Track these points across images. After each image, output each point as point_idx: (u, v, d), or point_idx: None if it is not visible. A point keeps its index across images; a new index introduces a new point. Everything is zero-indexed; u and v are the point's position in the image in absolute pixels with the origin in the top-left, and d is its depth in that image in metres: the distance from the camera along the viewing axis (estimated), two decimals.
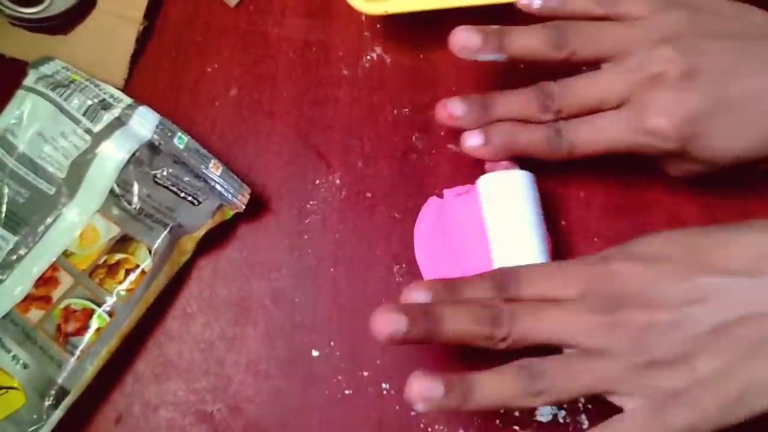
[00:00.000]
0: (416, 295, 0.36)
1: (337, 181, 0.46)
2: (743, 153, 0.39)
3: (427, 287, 0.36)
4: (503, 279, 0.36)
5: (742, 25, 0.39)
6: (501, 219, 0.41)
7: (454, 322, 0.34)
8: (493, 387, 0.34)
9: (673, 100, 0.38)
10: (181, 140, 0.44)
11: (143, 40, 0.49)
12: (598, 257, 0.36)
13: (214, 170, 0.44)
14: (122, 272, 0.42)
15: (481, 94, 0.42)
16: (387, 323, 0.34)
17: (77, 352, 0.40)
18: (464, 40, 0.40)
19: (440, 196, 0.44)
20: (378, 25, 0.49)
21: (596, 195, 0.45)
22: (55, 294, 0.41)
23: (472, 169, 0.45)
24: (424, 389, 0.33)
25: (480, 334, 0.34)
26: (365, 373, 0.42)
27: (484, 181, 0.42)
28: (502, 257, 0.40)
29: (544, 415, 0.41)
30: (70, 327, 0.41)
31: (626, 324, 0.34)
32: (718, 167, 0.40)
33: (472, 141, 0.41)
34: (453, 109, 0.41)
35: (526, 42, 0.40)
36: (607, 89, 0.40)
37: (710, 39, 0.39)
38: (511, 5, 0.43)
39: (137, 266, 0.42)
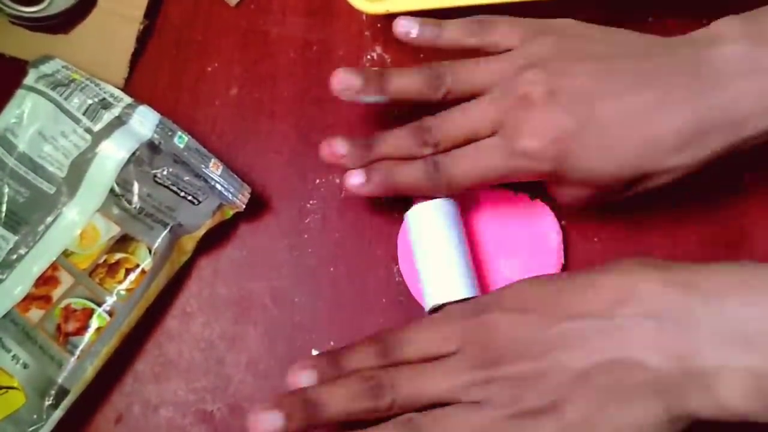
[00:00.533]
0: (301, 378, 0.37)
1: (337, 181, 0.46)
2: (617, 172, 0.38)
3: (311, 366, 0.37)
4: (386, 343, 0.37)
5: (608, 46, 0.39)
6: (426, 254, 0.41)
7: (336, 403, 0.35)
8: None
9: (540, 121, 0.38)
10: (181, 139, 0.44)
11: (144, 39, 0.49)
12: (474, 308, 0.37)
13: (214, 169, 0.44)
14: (122, 272, 0.42)
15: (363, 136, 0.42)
16: (263, 423, 0.34)
17: (77, 352, 0.40)
18: (345, 81, 0.41)
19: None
20: (378, 25, 0.49)
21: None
22: (55, 293, 0.41)
23: None
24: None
25: (364, 409, 0.35)
26: None
27: (411, 214, 0.42)
28: (432, 293, 0.41)
29: None
30: (70, 326, 0.41)
31: (499, 378, 0.35)
32: (599, 188, 0.39)
33: (353, 180, 0.41)
34: (336, 148, 0.41)
35: (404, 84, 0.41)
36: (479, 117, 0.40)
37: (575, 61, 0.39)
38: (510, 5, 0.43)
39: (137, 266, 0.42)
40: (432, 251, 0.41)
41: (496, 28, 0.41)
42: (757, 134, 0.37)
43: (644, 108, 0.37)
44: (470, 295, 0.40)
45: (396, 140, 0.41)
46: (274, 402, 0.35)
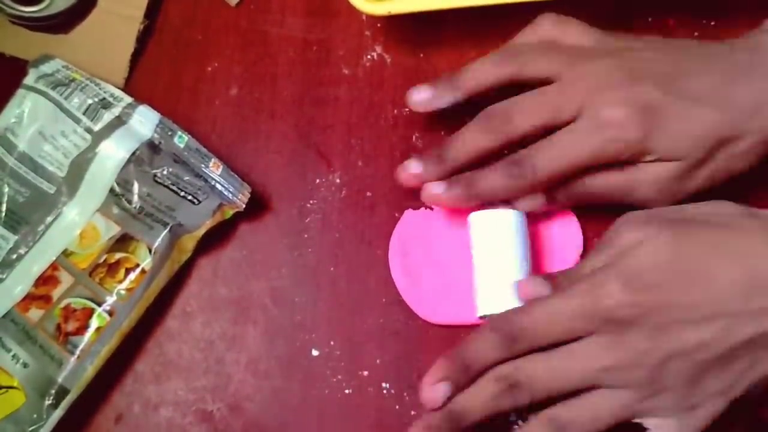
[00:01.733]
0: (438, 394, 0.37)
1: (337, 181, 0.46)
2: (702, 133, 0.38)
3: (441, 377, 0.37)
4: (509, 333, 0.37)
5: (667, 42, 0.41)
6: (488, 261, 0.41)
7: (478, 408, 0.36)
8: None
9: (625, 93, 0.38)
10: (181, 139, 0.44)
11: (144, 39, 0.49)
12: (589, 285, 0.36)
13: (214, 169, 0.44)
14: (122, 271, 0.42)
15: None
16: None
17: (77, 352, 0.40)
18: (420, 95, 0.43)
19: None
20: (378, 25, 0.49)
21: None
22: (55, 293, 0.41)
23: None
24: None
25: (506, 408, 0.36)
26: (365, 373, 0.42)
27: (474, 219, 0.42)
28: (487, 302, 0.40)
29: None
30: (70, 326, 0.41)
31: (644, 359, 0.35)
32: (683, 159, 0.39)
33: (434, 190, 0.41)
34: (410, 168, 0.41)
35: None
36: (558, 101, 0.39)
37: (647, 50, 0.40)
38: (510, 6, 0.43)
39: (137, 265, 0.42)
40: (494, 259, 0.40)
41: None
42: None
43: (720, 79, 0.38)
44: None
45: (467, 139, 0.41)
46: (423, 425, 0.36)
